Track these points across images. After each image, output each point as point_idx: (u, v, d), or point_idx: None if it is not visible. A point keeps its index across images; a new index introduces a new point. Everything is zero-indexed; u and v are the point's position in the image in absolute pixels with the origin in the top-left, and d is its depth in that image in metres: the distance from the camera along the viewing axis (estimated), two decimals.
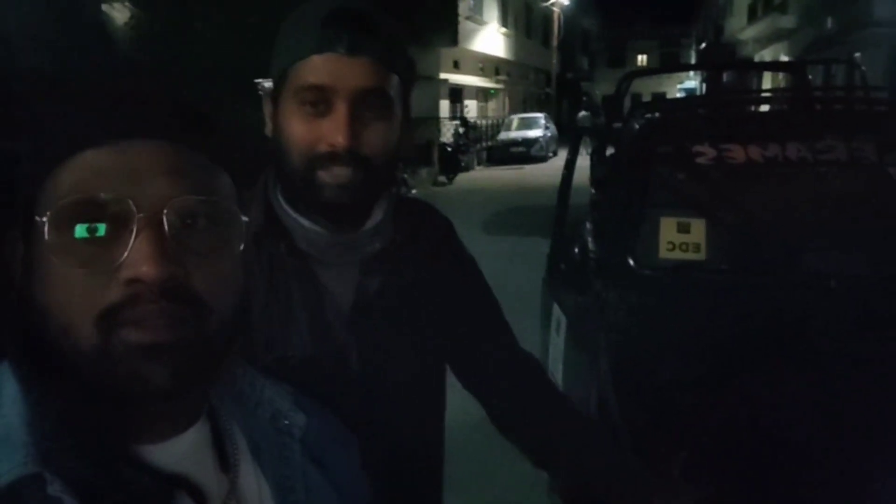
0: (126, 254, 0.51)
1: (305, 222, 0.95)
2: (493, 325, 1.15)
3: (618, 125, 3.34)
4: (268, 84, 0.96)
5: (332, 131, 0.87)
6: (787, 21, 19.01)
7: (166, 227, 0.52)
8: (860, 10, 12.64)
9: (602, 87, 39.92)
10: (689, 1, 39.38)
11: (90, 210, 0.51)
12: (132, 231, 0.51)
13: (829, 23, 14.93)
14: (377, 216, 0.99)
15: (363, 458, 0.88)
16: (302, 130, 0.89)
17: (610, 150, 3.49)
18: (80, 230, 0.51)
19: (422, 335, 1.03)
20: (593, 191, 3.72)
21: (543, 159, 21.42)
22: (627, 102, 4.24)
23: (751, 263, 2.22)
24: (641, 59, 46.52)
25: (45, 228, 0.51)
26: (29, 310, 0.53)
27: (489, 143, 22.71)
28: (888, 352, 1.75)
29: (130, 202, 0.51)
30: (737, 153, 2.18)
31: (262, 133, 0.96)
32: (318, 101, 0.88)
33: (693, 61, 37.42)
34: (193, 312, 0.52)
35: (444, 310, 1.06)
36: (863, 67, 3.35)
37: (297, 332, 0.94)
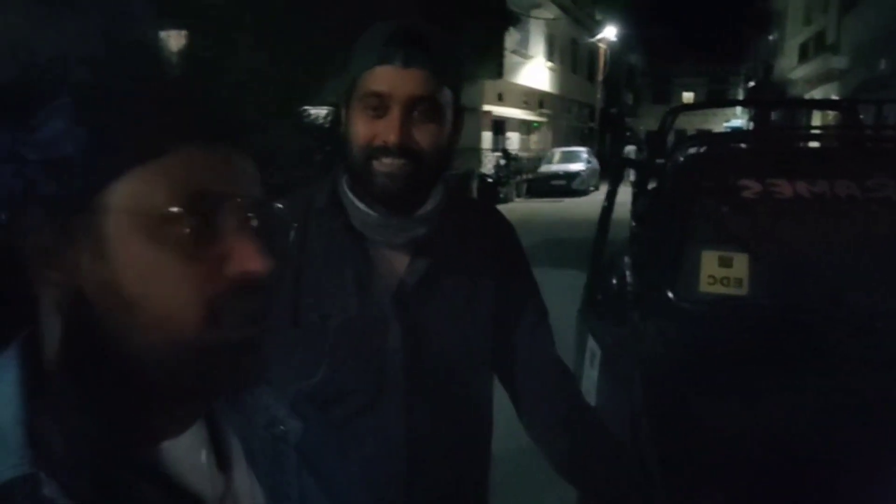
0: (232, 247, 0.53)
1: (360, 204, 1.08)
2: (537, 330, 1.20)
3: (661, 160, 3.32)
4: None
5: (387, 130, 1.03)
6: (839, 62, 18.73)
7: (254, 224, 0.54)
8: None
9: (647, 123, 39.74)
10: (739, 39, 39.19)
11: (196, 204, 0.52)
12: (234, 227, 0.53)
13: (883, 64, 14.67)
14: (428, 206, 1.10)
15: (406, 434, 1.02)
16: (363, 129, 1.05)
17: (652, 184, 3.46)
18: (185, 223, 0.52)
19: (464, 324, 1.12)
20: (634, 224, 3.69)
21: (584, 193, 21.34)
22: (672, 138, 4.22)
23: (794, 300, 2.17)
24: (688, 96, 46.13)
25: (145, 222, 0.51)
26: (90, 306, 0.52)
27: (530, 176, 22.73)
28: None
29: (237, 198, 0.53)
30: (783, 188, 2.14)
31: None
32: (378, 105, 1.03)
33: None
34: (264, 310, 0.55)
35: (489, 305, 1.14)
36: None
37: (344, 298, 1.06)
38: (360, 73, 1.05)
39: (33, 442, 0.49)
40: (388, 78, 1.02)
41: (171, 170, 0.53)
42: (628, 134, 35.49)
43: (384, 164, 1.03)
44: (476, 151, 19.32)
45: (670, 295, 2.13)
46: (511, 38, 21.12)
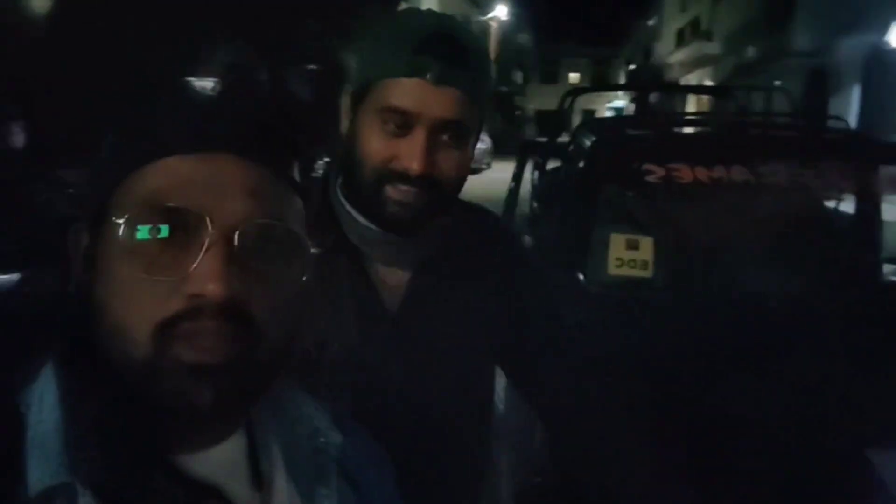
0: (194, 267, 0.50)
1: (360, 217, 0.96)
2: (551, 339, 1.10)
3: (560, 141, 3.37)
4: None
5: (409, 155, 0.89)
6: (712, 48, 19.91)
7: (237, 246, 0.51)
8: (781, 40, 13.34)
9: (535, 103, 40.68)
10: (620, 23, 40.78)
11: (166, 218, 0.51)
12: (203, 245, 0.51)
13: (750, 51, 15.71)
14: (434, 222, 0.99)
15: (403, 456, 0.90)
16: (379, 147, 0.90)
17: (552, 165, 3.52)
18: (154, 236, 0.51)
19: (470, 342, 1.02)
20: (535, 204, 3.74)
21: (476, 171, 21.62)
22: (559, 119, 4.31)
23: (694, 283, 2.27)
24: (574, 76, 47.56)
25: (120, 230, 0.51)
26: (86, 306, 0.53)
27: None
28: (826, 370, 1.81)
29: (207, 216, 0.51)
30: (684, 173, 2.22)
31: None
32: (401, 123, 0.89)
33: (622, 81, 38.64)
34: (246, 336, 0.52)
35: (498, 318, 1.05)
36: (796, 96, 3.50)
37: (342, 323, 0.94)
38: (382, 79, 0.90)
39: (69, 450, 0.49)
40: (416, 94, 0.88)
41: (146, 181, 0.53)
42: (518, 113, 36.24)
43: (399, 192, 0.90)
44: None
45: (581, 278, 2.17)
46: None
